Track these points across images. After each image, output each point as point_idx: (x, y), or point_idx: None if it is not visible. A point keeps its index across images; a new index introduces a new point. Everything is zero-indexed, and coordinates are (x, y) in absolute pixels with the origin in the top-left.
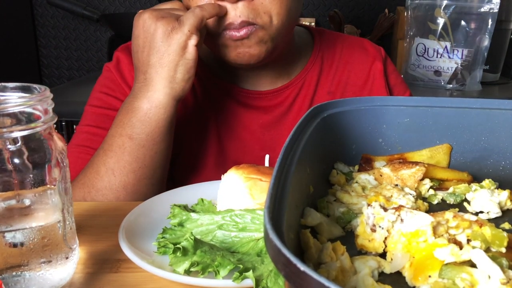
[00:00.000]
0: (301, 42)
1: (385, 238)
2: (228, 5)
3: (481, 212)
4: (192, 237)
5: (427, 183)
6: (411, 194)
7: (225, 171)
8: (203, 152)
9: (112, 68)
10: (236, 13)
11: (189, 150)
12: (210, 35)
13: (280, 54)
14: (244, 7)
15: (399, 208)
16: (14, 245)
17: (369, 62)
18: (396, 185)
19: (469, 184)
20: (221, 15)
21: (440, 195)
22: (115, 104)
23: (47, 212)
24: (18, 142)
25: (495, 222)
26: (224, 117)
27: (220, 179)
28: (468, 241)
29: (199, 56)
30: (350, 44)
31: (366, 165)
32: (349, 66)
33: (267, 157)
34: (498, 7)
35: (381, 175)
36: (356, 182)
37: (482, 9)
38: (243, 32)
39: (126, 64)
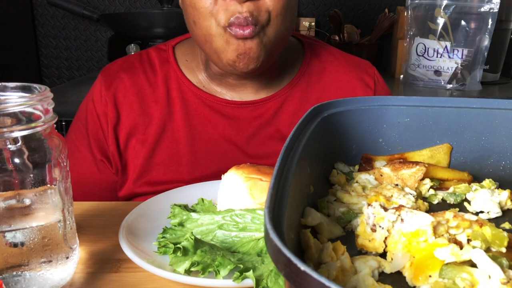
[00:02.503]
0: (290, 52)
1: (385, 238)
2: (235, 3)
3: (482, 212)
4: (193, 237)
5: (428, 183)
6: (411, 194)
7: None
8: (179, 164)
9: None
10: (242, 9)
11: (164, 163)
12: (211, 35)
13: (272, 64)
14: (250, 4)
15: (399, 208)
16: (15, 245)
17: (360, 85)
18: (397, 185)
19: (469, 184)
20: None
21: (441, 195)
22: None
23: (47, 211)
24: (18, 142)
25: (496, 222)
26: (201, 128)
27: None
28: (469, 241)
29: (180, 68)
30: (344, 63)
31: (366, 165)
32: (339, 84)
33: None
34: (498, 7)
35: (381, 175)
36: (357, 182)
37: (482, 9)
38: (247, 31)
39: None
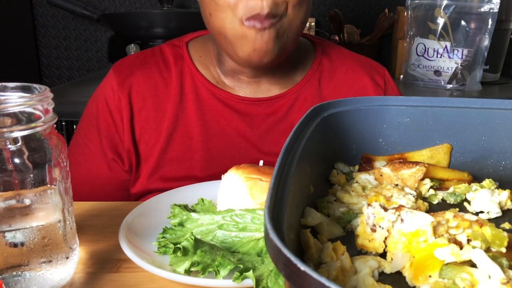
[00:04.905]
0: (302, 51)
1: (385, 238)
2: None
3: (481, 212)
4: (193, 237)
5: (427, 183)
6: (411, 194)
7: (215, 178)
8: (192, 160)
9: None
10: (263, 5)
11: (178, 158)
12: (225, 27)
13: (284, 60)
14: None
15: (399, 208)
16: (15, 245)
17: (371, 83)
18: (396, 185)
19: (469, 184)
20: None
21: (440, 195)
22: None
23: (47, 211)
24: (18, 142)
25: (496, 222)
26: (214, 124)
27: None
28: (469, 241)
29: (194, 64)
30: (354, 62)
31: (366, 165)
32: (350, 83)
33: (261, 162)
34: (498, 7)
35: (381, 175)
36: (357, 182)
37: (482, 9)
38: (266, 23)
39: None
